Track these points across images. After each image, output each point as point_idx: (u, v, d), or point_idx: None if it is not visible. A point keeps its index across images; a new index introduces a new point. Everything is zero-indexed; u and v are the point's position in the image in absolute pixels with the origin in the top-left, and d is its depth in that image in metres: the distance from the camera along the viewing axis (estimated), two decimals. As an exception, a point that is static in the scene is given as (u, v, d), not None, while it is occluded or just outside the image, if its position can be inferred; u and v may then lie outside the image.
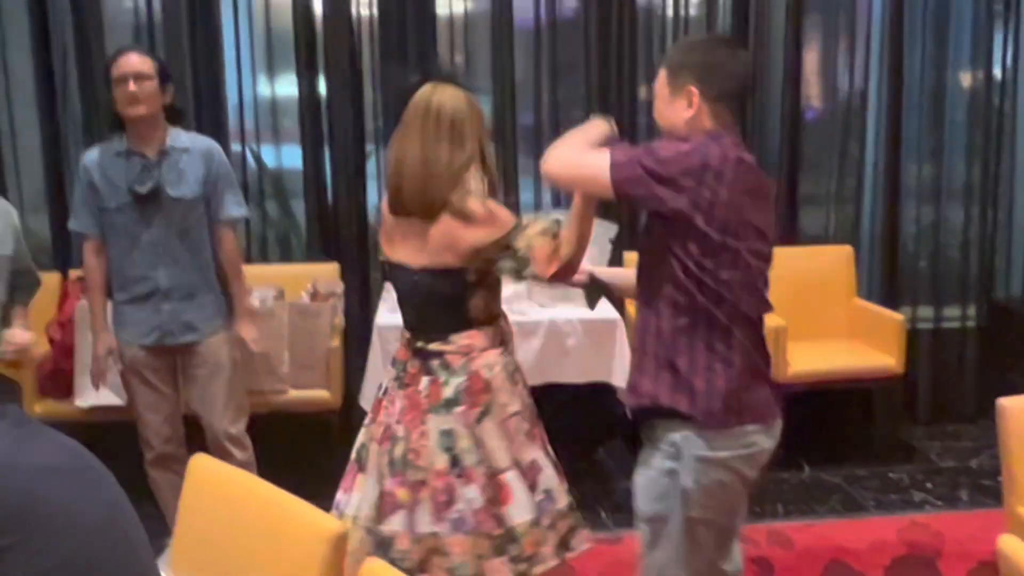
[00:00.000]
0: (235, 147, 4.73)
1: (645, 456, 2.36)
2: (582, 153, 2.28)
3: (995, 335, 5.14)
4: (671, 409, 2.25)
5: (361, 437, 2.78)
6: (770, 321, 2.55)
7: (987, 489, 4.22)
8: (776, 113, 4.87)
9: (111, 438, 3.62)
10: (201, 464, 2.22)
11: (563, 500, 2.76)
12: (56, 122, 4.57)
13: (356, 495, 2.69)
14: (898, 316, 4.63)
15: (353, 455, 2.78)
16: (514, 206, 4.77)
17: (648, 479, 2.33)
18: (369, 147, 4.76)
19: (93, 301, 3.44)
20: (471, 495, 2.58)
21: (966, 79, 5.12)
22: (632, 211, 4.83)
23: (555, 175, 2.34)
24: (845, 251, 4.90)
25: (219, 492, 2.15)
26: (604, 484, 4.39)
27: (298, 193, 4.81)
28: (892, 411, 4.76)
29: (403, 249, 2.67)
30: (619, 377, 3.95)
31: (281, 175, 4.90)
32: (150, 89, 3.20)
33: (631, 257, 4.59)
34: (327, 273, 4.54)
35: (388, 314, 3.88)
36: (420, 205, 2.58)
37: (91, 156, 3.36)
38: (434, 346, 2.64)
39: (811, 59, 5.05)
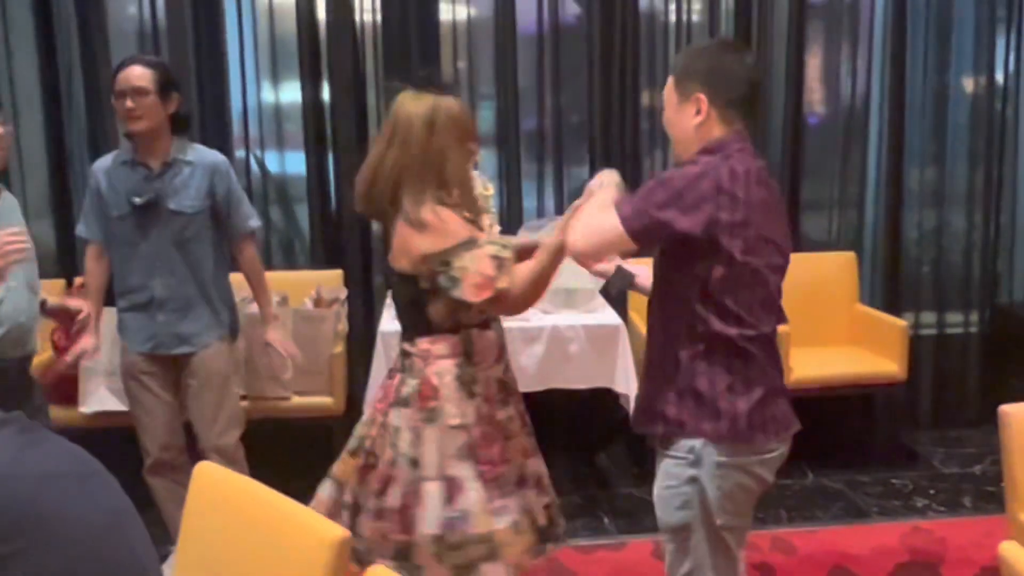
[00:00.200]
0: (239, 153, 4.75)
1: (663, 465, 2.35)
2: (596, 221, 2.25)
3: (998, 341, 5.14)
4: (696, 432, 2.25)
5: None
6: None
7: (990, 495, 4.22)
8: (778, 118, 4.87)
9: (116, 444, 3.63)
10: (205, 471, 2.23)
11: (484, 526, 2.61)
12: (61, 129, 4.59)
13: None
14: (901, 322, 4.63)
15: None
16: (517, 212, 4.78)
17: (669, 489, 2.31)
18: (373, 153, 4.76)
19: (91, 304, 3.45)
20: (394, 494, 2.62)
21: (968, 84, 5.12)
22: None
23: (581, 251, 2.32)
24: (847, 257, 4.91)
25: (223, 499, 2.15)
26: (607, 489, 4.40)
27: (302, 199, 4.82)
28: (895, 417, 4.77)
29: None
30: (621, 383, 3.95)
31: (285, 181, 4.91)
32: (148, 104, 3.20)
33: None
34: (331, 279, 4.55)
35: (392, 320, 3.87)
36: (365, 206, 2.65)
37: (101, 163, 3.38)
38: (405, 345, 2.69)
39: (813, 64, 5.06)
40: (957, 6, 5.01)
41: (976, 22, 5.02)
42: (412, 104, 2.56)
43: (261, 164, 4.84)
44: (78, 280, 4.19)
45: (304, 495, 2.35)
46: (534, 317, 3.98)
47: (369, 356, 4.01)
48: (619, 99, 4.76)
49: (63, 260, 4.61)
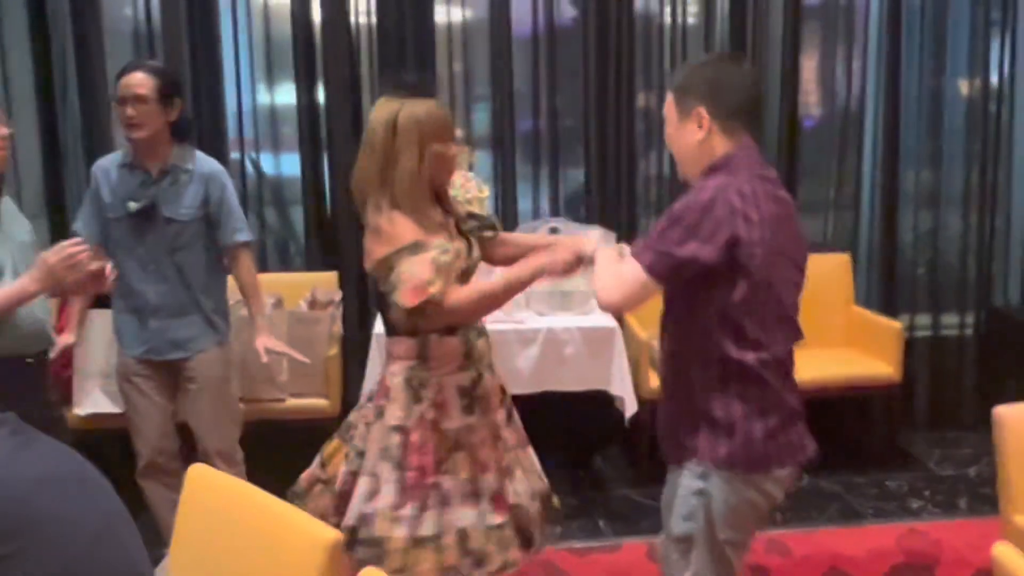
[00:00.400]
0: (234, 155, 4.74)
1: (673, 476, 2.35)
2: (618, 274, 2.23)
3: (993, 343, 5.14)
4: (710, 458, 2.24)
5: None
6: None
7: (985, 497, 4.21)
8: (774, 121, 4.88)
9: (110, 446, 3.64)
10: (199, 474, 2.23)
11: (380, 531, 2.61)
12: (56, 129, 4.59)
13: None
14: (896, 324, 4.64)
15: None
16: (512, 214, 4.78)
17: (676, 498, 2.31)
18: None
19: (76, 301, 3.48)
20: (342, 479, 2.72)
21: (963, 86, 5.13)
22: (631, 220, 4.84)
23: (614, 304, 2.31)
24: (843, 259, 4.91)
25: (216, 501, 2.15)
26: (601, 492, 4.40)
27: (297, 201, 4.82)
28: (890, 419, 4.76)
29: None
30: (616, 385, 3.96)
31: (280, 183, 4.91)
32: (148, 112, 3.19)
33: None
34: (326, 281, 4.55)
35: (386, 322, 3.89)
36: (359, 211, 2.70)
37: (101, 163, 3.38)
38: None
39: (809, 67, 5.07)
40: (952, 8, 5.02)
41: (971, 24, 5.02)
42: (379, 110, 2.58)
43: (256, 166, 4.84)
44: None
45: (298, 497, 2.36)
46: (529, 319, 3.99)
47: (364, 358, 4.01)
48: (614, 101, 4.76)
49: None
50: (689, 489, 2.27)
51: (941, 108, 5.05)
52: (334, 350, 4.24)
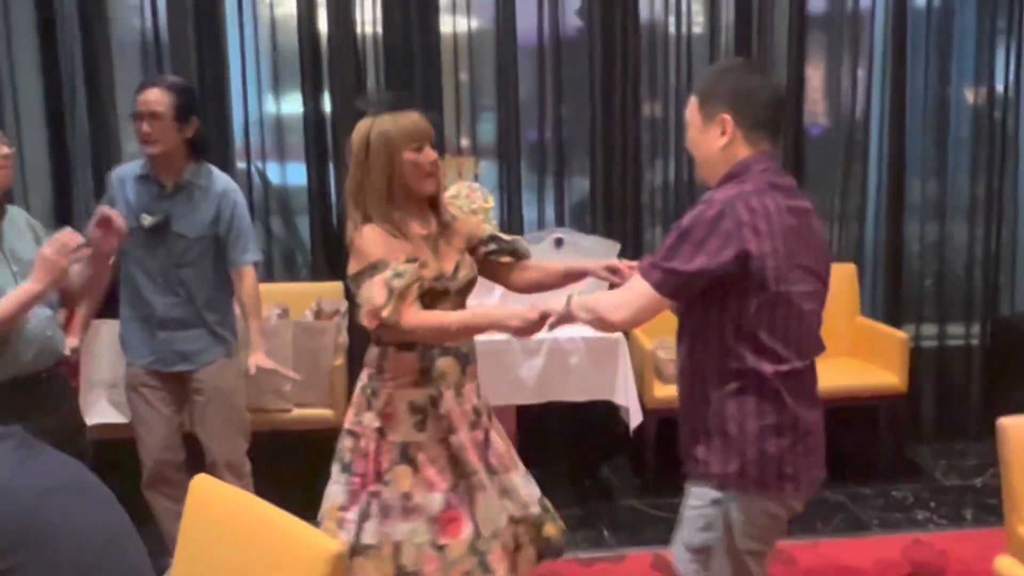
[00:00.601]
0: (241, 165, 4.76)
1: (691, 486, 2.33)
2: (628, 292, 2.25)
3: (999, 353, 5.13)
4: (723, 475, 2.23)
5: None
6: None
7: (991, 508, 4.20)
8: (779, 130, 4.87)
9: (117, 456, 3.64)
10: (202, 485, 2.23)
11: (332, 533, 2.64)
12: (64, 140, 4.61)
13: None
14: (902, 334, 4.63)
15: None
16: (518, 223, 4.79)
17: (694, 509, 2.30)
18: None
19: (83, 304, 3.48)
20: None
21: (969, 96, 5.13)
22: (636, 230, 4.84)
23: (623, 323, 2.29)
24: (848, 269, 4.90)
25: (219, 513, 2.15)
26: (606, 502, 4.39)
27: (303, 211, 4.83)
28: (896, 429, 4.74)
29: None
30: (621, 395, 3.96)
31: (286, 193, 4.91)
32: (163, 129, 3.21)
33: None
34: (332, 291, 4.56)
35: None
36: None
37: (119, 172, 3.41)
38: None
39: (814, 76, 5.07)
40: (957, 17, 5.02)
41: (976, 33, 5.02)
42: (355, 131, 2.65)
43: (263, 176, 4.85)
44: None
45: (305, 507, 2.36)
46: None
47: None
48: (620, 111, 4.76)
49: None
50: (705, 499, 2.26)
51: (947, 117, 5.05)
52: (340, 360, 4.24)
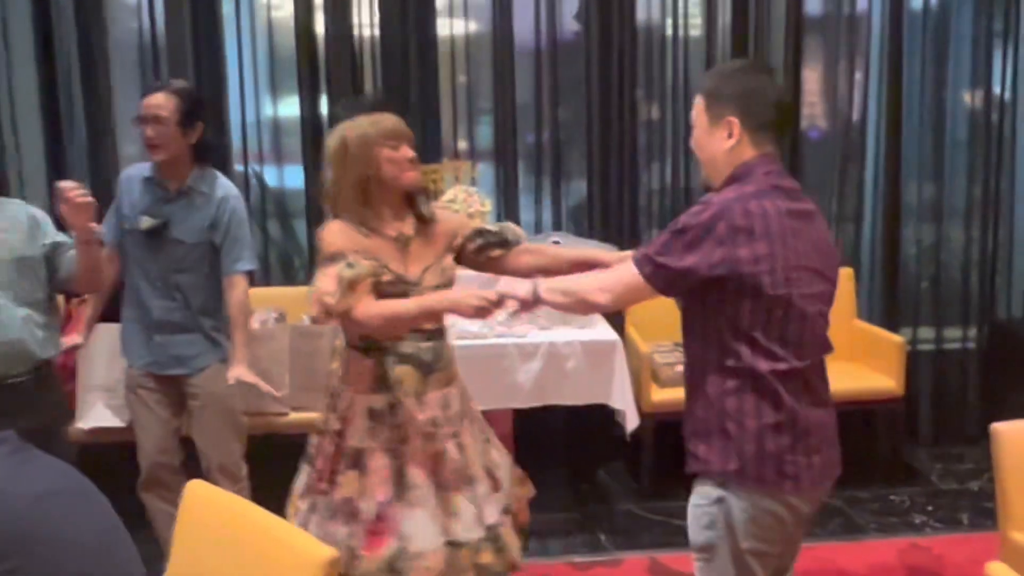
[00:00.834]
0: (238, 167, 4.77)
1: (696, 485, 2.33)
2: (615, 276, 2.28)
3: (996, 357, 5.13)
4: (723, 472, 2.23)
5: None
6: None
7: (988, 512, 4.18)
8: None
9: (113, 460, 3.64)
10: (196, 490, 2.23)
11: (289, 517, 2.76)
12: (61, 144, 4.61)
13: None
14: (898, 338, 4.63)
15: None
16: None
17: (698, 507, 2.30)
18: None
19: (87, 303, 3.53)
20: None
21: (966, 98, 5.13)
22: (633, 233, 4.84)
23: (605, 306, 2.33)
24: (845, 272, 4.89)
25: (213, 518, 2.15)
26: (603, 506, 4.39)
27: (300, 214, 4.84)
28: (893, 433, 4.75)
29: None
30: (618, 399, 3.95)
31: (283, 196, 4.92)
32: (166, 134, 3.22)
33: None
34: (328, 294, 4.54)
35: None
36: None
37: (128, 172, 3.43)
38: None
39: (811, 79, 5.07)
40: (954, 20, 5.02)
41: (973, 36, 5.02)
42: (331, 134, 2.68)
43: (260, 179, 4.86)
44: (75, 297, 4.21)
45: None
46: (531, 333, 3.99)
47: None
48: (617, 114, 4.77)
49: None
50: (708, 497, 2.26)
51: (944, 120, 5.05)
52: (336, 364, 4.23)
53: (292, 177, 4.85)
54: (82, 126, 4.61)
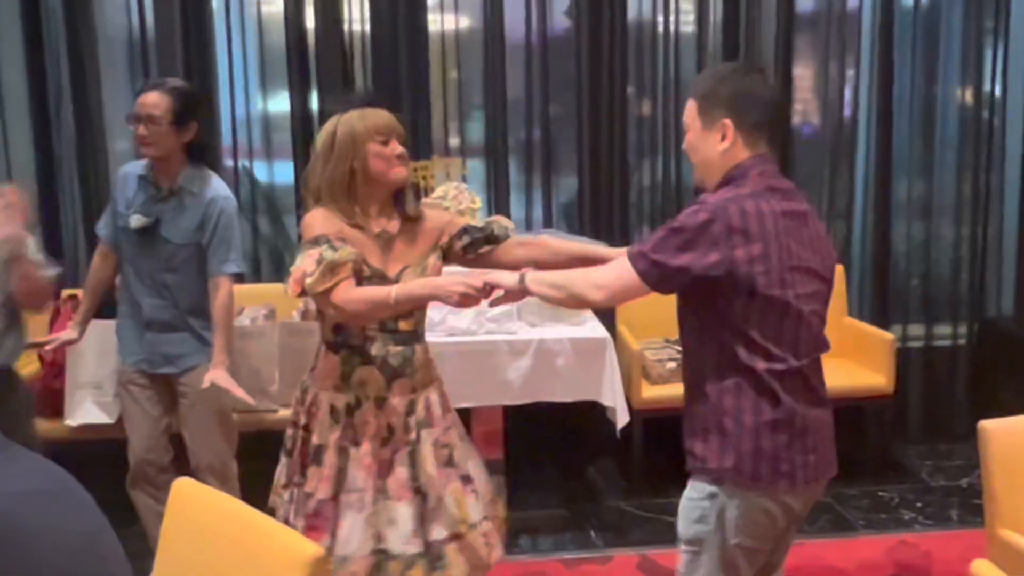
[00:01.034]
0: (228, 163, 4.75)
1: (691, 480, 2.33)
2: (610, 273, 2.26)
3: (986, 354, 5.14)
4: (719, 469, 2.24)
5: None
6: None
7: (977, 508, 4.18)
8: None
9: (101, 457, 3.63)
10: (183, 488, 2.22)
11: (271, 503, 2.79)
12: (49, 139, 4.59)
13: None
14: (888, 335, 4.63)
15: None
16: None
17: (689, 501, 2.31)
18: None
19: (83, 298, 3.50)
20: None
21: (956, 95, 5.13)
22: (624, 229, 4.84)
23: (600, 303, 2.33)
24: (835, 270, 4.89)
25: (200, 516, 2.14)
26: (593, 503, 4.40)
27: (290, 209, 4.82)
28: (882, 430, 4.76)
29: None
30: (608, 396, 3.95)
31: (273, 191, 4.90)
32: (158, 133, 3.20)
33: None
34: (318, 291, 4.53)
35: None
36: None
37: (126, 169, 3.42)
38: None
39: (801, 76, 5.07)
40: (945, 17, 5.03)
41: (964, 33, 5.03)
42: (323, 129, 2.66)
43: (250, 174, 4.84)
44: (64, 293, 4.20)
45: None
46: (521, 330, 3.99)
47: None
48: (608, 110, 4.77)
49: (52, 271, 4.60)
50: (701, 492, 2.27)
51: (934, 117, 5.06)
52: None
53: (282, 173, 4.83)
54: (70, 122, 4.59)
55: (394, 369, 2.66)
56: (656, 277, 2.18)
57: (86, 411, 3.92)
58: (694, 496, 2.29)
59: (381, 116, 2.63)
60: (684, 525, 2.32)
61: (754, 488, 2.21)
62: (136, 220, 3.28)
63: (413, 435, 2.69)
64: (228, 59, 4.67)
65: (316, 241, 2.52)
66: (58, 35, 4.53)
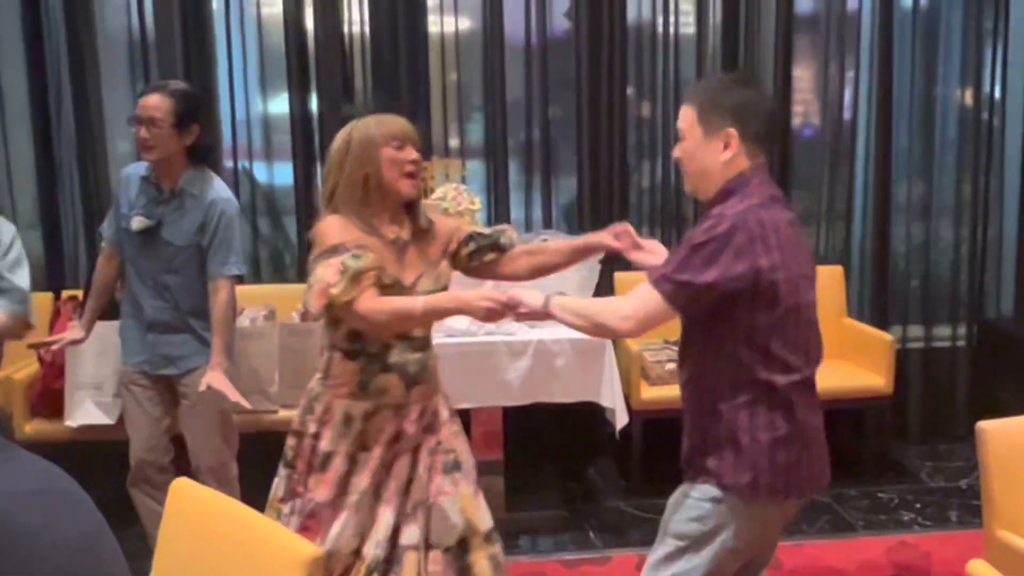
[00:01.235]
0: (227, 164, 4.76)
1: (696, 483, 2.32)
2: (636, 301, 2.22)
3: (985, 355, 5.14)
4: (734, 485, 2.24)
5: None
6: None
7: (976, 509, 4.17)
8: (766, 132, 4.88)
9: (101, 458, 3.64)
10: (182, 489, 2.22)
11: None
12: (50, 140, 4.60)
13: None
14: (888, 336, 4.63)
15: None
16: (505, 223, 4.78)
17: (688, 500, 2.30)
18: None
19: (90, 299, 3.50)
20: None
21: (956, 96, 5.13)
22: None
23: (631, 332, 2.29)
24: (835, 270, 4.90)
25: (199, 516, 2.15)
26: (592, 503, 4.40)
27: (290, 211, 4.83)
28: (882, 431, 4.76)
29: None
30: (607, 397, 3.96)
31: (273, 192, 4.91)
32: (160, 135, 3.20)
33: (622, 277, 4.60)
34: (318, 291, 4.53)
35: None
36: None
37: (129, 169, 3.42)
38: None
39: (801, 77, 5.07)
40: (944, 17, 5.03)
41: (963, 33, 5.03)
42: (339, 135, 2.65)
43: (250, 176, 4.85)
44: (65, 294, 4.21)
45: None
46: (520, 331, 3.99)
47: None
48: (607, 111, 4.77)
49: (52, 273, 4.61)
50: (705, 495, 2.26)
51: (934, 118, 5.06)
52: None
53: (282, 174, 4.83)
54: (71, 123, 4.60)
55: (413, 376, 2.66)
56: (684, 298, 2.15)
57: (86, 412, 3.93)
58: (695, 496, 2.29)
59: (397, 122, 2.64)
60: (678, 519, 2.32)
61: (770, 501, 2.22)
62: (137, 222, 3.28)
63: (419, 440, 2.71)
64: (228, 60, 4.67)
65: (335, 250, 2.49)
66: (58, 36, 4.54)
